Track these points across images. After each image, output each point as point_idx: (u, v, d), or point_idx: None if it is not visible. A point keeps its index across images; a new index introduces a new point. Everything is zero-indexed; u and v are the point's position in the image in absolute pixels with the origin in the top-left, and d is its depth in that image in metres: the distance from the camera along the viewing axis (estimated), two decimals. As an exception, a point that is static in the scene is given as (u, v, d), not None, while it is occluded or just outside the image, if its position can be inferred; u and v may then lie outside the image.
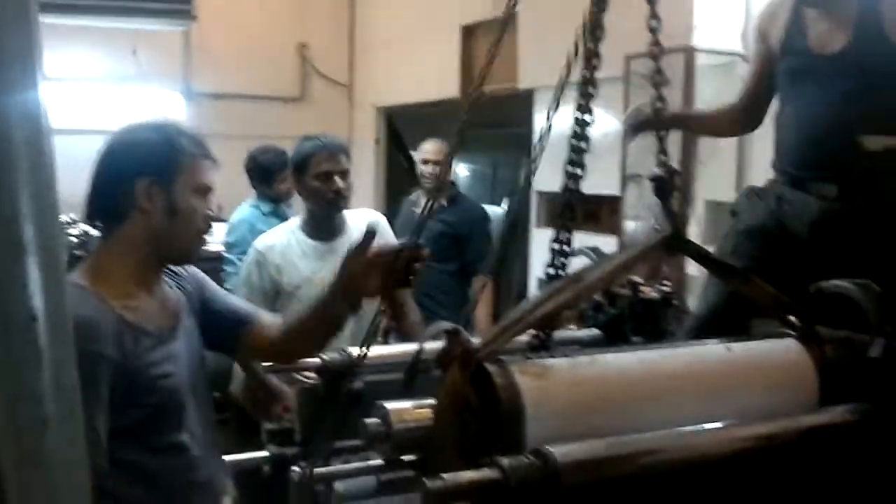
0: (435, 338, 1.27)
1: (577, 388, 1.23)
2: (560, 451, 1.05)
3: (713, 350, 1.44)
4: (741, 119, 2.84)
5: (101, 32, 6.66)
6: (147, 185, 1.83)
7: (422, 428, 1.19)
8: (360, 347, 1.67)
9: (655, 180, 1.42)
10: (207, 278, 2.12)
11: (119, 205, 1.84)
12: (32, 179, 0.73)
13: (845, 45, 2.43)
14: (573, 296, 1.35)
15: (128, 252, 1.86)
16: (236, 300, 2.16)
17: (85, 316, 1.68)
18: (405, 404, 1.22)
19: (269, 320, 2.10)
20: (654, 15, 1.52)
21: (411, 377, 1.32)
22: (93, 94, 6.78)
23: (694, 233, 4.03)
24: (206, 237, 1.96)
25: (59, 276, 0.74)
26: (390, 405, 1.21)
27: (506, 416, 1.14)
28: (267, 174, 4.65)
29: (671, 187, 1.42)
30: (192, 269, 2.09)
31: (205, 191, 1.91)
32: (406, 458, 1.30)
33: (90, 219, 1.91)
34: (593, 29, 1.40)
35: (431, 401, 1.20)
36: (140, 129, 1.90)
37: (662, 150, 1.47)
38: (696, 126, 2.89)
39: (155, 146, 1.86)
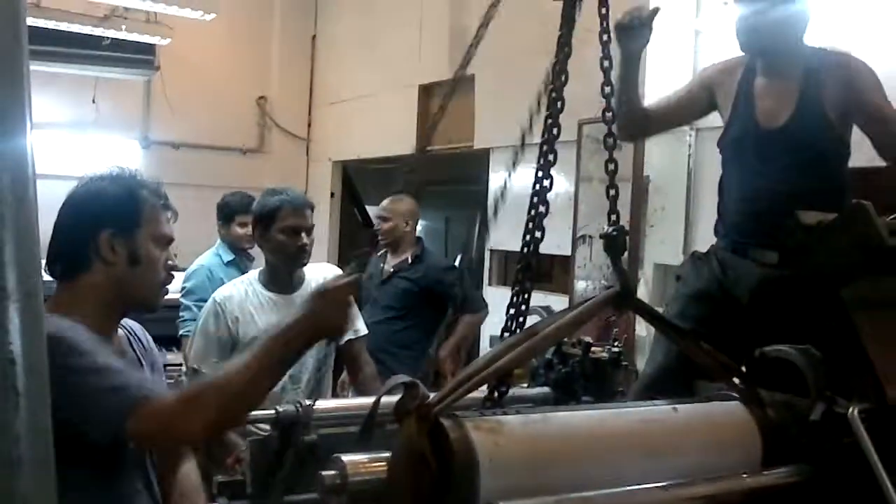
0: (392, 391, 1.30)
1: (529, 445, 1.26)
2: (511, 507, 1.08)
3: (660, 410, 1.48)
4: (638, 121, 2.79)
5: (62, 79, 6.66)
6: (109, 237, 1.85)
7: (377, 480, 1.21)
8: (310, 398, 1.70)
9: (606, 238, 1.46)
10: (154, 348, 2.16)
11: (81, 255, 1.86)
12: (16, 226, 0.75)
13: (787, 121, 2.53)
14: (528, 349, 1.38)
15: (88, 299, 1.87)
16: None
17: (66, 325, 1.74)
18: (361, 457, 1.24)
19: (185, 463, 2.12)
20: (607, 82, 1.59)
21: (368, 430, 1.34)
22: (50, 141, 6.74)
23: (642, 294, 4.10)
24: (166, 286, 1.97)
25: (38, 320, 0.76)
26: (346, 457, 1.22)
27: (459, 470, 1.17)
28: (229, 215, 4.65)
29: (621, 245, 1.46)
30: (146, 335, 2.13)
31: (165, 241, 1.94)
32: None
33: (51, 267, 1.90)
34: (555, 101, 1.46)
35: (387, 454, 1.22)
36: (102, 181, 1.93)
37: (613, 210, 1.52)
38: (628, 94, 2.76)
39: (117, 198, 1.89)
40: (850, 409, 1.29)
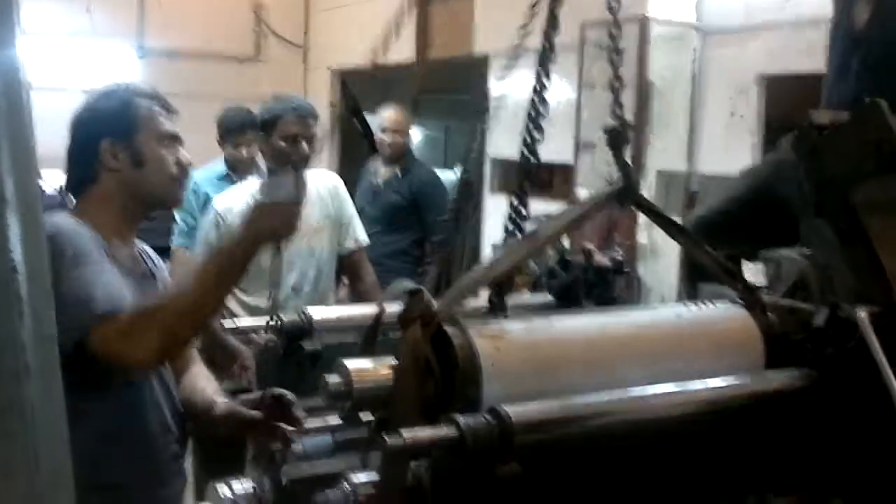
0: (395, 298, 1.30)
1: (532, 350, 1.26)
2: (515, 411, 1.09)
3: (663, 315, 1.49)
4: None
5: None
6: (109, 146, 1.94)
7: (382, 387, 1.21)
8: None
9: (610, 132, 1.44)
10: (164, 267, 2.22)
11: (89, 168, 1.96)
12: (10, 134, 0.73)
13: (866, 25, 2.44)
14: (530, 250, 1.38)
15: (102, 208, 1.95)
16: None
17: (70, 225, 1.84)
18: (366, 363, 1.24)
19: (194, 366, 2.14)
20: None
21: (372, 338, 1.34)
22: (45, 49, 6.63)
23: (645, 202, 4.08)
24: (182, 181, 2.05)
25: (38, 228, 0.75)
26: (351, 364, 1.23)
27: (462, 376, 1.17)
28: (223, 134, 4.53)
29: (625, 139, 1.45)
30: (156, 256, 2.18)
31: (168, 138, 2.00)
32: (364, 418, 1.33)
33: (71, 189, 2.02)
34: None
35: (391, 360, 1.23)
36: (96, 97, 2.03)
37: (618, 104, 1.49)
38: None
39: (111, 109, 1.98)
40: (859, 312, 1.28)
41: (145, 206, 2.03)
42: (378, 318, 1.34)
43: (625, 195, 1.47)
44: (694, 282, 2.31)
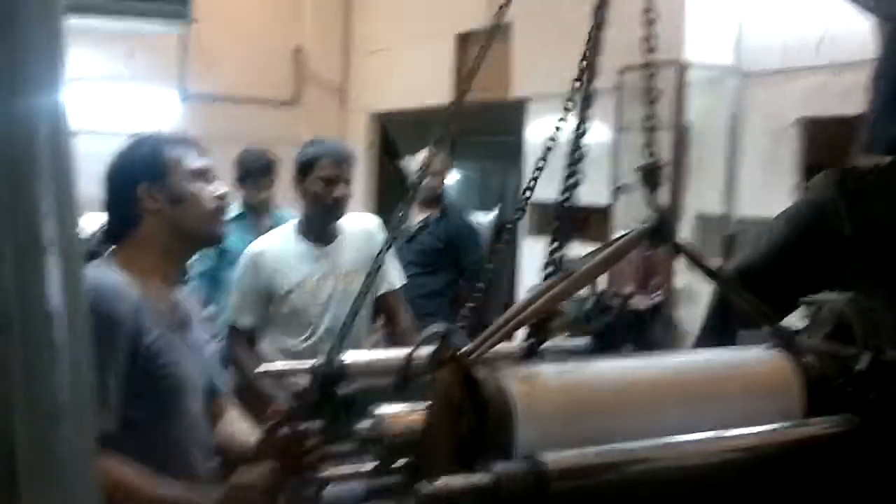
0: (427, 342, 1.29)
1: (565, 394, 1.24)
2: (552, 458, 1.07)
3: (699, 359, 1.46)
4: None
5: (98, 33, 6.66)
6: (147, 189, 2.02)
7: (414, 431, 1.20)
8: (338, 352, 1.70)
9: (643, 170, 1.43)
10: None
11: (129, 213, 2.03)
12: (54, 178, 0.74)
13: None
14: (563, 290, 1.36)
15: (148, 251, 2.01)
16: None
17: (108, 284, 1.87)
18: (397, 408, 1.23)
19: (230, 411, 2.17)
20: (650, 35, 1.53)
21: (403, 381, 1.34)
22: (87, 95, 6.77)
23: (683, 245, 4.05)
24: (221, 214, 2.11)
25: (78, 274, 0.75)
26: (382, 409, 1.22)
27: (495, 420, 1.15)
28: (240, 176, 4.50)
29: (658, 177, 1.43)
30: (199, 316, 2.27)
31: (201, 174, 2.07)
32: (397, 463, 1.31)
33: (111, 238, 2.07)
34: (594, 45, 1.42)
35: (423, 405, 1.22)
36: (127, 147, 2.11)
37: (651, 142, 1.48)
38: None
39: (142, 155, 2.07)
40: (904, 357, 1.25)
41: (188, 243, 2.10)
42: (408, 362, 1.33)
43: (658, 234, 1.45)
44: (717, 328, 2.28)
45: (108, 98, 7.03)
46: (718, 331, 2.31)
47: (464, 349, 1.22)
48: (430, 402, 1.20)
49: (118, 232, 2.07)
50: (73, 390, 0.74)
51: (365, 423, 1.22)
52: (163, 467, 1.89)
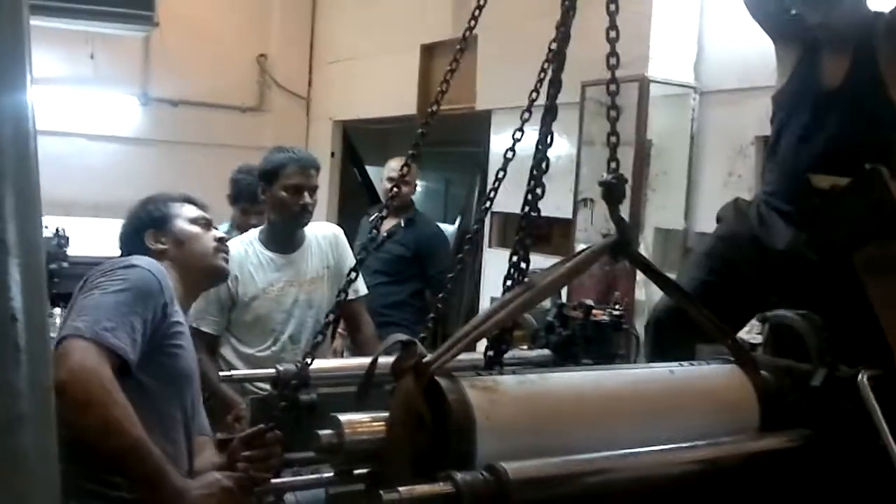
0: (390, 351, 1.30)
1: (527, 405, 1.26)
2: (512, 468, 1.08)
3: (657, 373, 1.48)
4: None
5: (59, 34, 6.58)
6: (153, 235, 2.30)
7: (375, 440, 1.20)
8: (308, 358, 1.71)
9: (605, 185, 1.45)
10: None
11: (143, 254, 2.22)
12: (17, 181, 0.74)
13: (842, 82, 2.50)
14: (525, 302, 1.37)
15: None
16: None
17: (158, 266, 2.12)
18: (359, 416, 1.23)
19: (207, 450, 2.20)
20: (612, 52, 1.55)
21: (366, 389, 1.34)
22: (48, 96, 6.69)
23: (643, 259, 4.08)
24: (224, 253, 2.37)
25: (39, 277, 0.74)
26: (344, 417, 1.22)
27: (456, 429, 1.16)
28: (237, 195, 4.37)
29: (620, 193, 1.45)
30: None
31: (199, 221, 2.35)
32: (357, 471, 1.32)
33: None
34: (558, 60, 1.44)
35: (385, 413, 1.22)
36: (136, 205, 2.40)
37: (613, 158, 1.50)
38: None
39: (149, 210, 2.36)
40: (860, 375, 1.28)
41: (196, 280, 2.33)
42: (371, 370, 1.34)
43: (619, 248, 1.47)
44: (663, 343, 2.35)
45: (68, 100, 6.95)
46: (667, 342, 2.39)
47: (426, 358, 1.22)
48: (391, 411, 1.20)
49: None
50: (34, 395, 0.74)
51: (326, 431, 1.22)
52: (151, 433, 1.93)
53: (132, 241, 2.33)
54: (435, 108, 1.82)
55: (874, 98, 2.46)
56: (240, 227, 4.14)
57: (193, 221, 2.36)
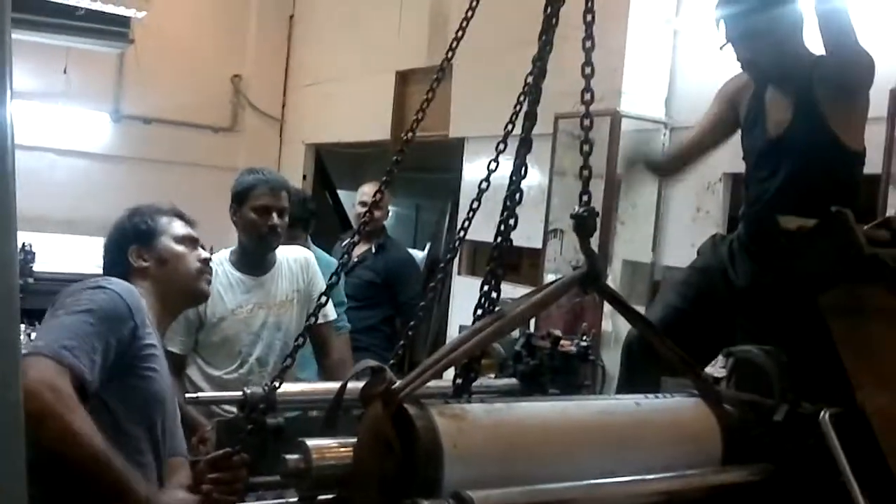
0: (359, 376, 1.30)
1: (493, 433, 1.26)
2: (479, 496, 1.08)
3: (622, 405, 1.49)
4: (680, 168, 3.14)
5: (33, 47, 6.55)
6: (136, 251, 2.26)
7: (342, 466, 1.21)
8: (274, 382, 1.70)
9: (576, 218, 1.46)
10: None
11: (123, 270, 2.23)
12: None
13: (785, 131, 2.60)
14: (494, 331, 1.38)
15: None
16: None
17: (129, 287, 2.09)
18: (326, 441, 1.24)
19: (178, 475, 2.17)
20: (587, 88, 1.57)
21: (333, 414, 1.34)
22: (19, 110, 6.62)
23: (611, 290, 4.11)
24: (206, 275, 2.33)
25: (12, 293, 0.74)
26: (311, 442, 1.22)
27: (424, 456, 1.17)
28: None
29: (591, 226, 1.47)
30: None
31: (186, 240, 2.32)
32: (322, 496, 1.31)
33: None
34: (534, 94, 1.46)
35: (352, 439, 1.22)
36: (123, 216, 2.35)
37: (585, 191, 1.52)
38: (694, 153, 3.05)
39: (135, 223, 2.31)
40: (822, 413, 1.30)
41: (175, 301, 2.30)
42: (340, 395, 1.34)
43: (589, 281, 1.49)
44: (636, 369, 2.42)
45: (39, 114, 6.90)
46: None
47: (395, 385, 1.23)
48: (359, 437, 1.21)
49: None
50: (3, 408, 0.73)
51: (293, 455, 1.22)
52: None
53: (115, 255, 2.29)
54: (410, 135, 1.83)
55: (822, 138, 2.54)
56: None
57: (180, 240, 2.31)
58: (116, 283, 2.06)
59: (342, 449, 1.22)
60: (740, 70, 2.80)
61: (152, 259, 2.26)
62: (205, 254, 2.36)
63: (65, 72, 7.00)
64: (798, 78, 2.62)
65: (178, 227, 2.33)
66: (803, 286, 1.35)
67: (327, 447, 1.23)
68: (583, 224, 1.46)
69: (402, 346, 1.73)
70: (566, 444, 1.32)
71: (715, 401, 1.46)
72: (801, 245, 1.36)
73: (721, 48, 2.78)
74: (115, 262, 2.26)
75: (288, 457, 1.23)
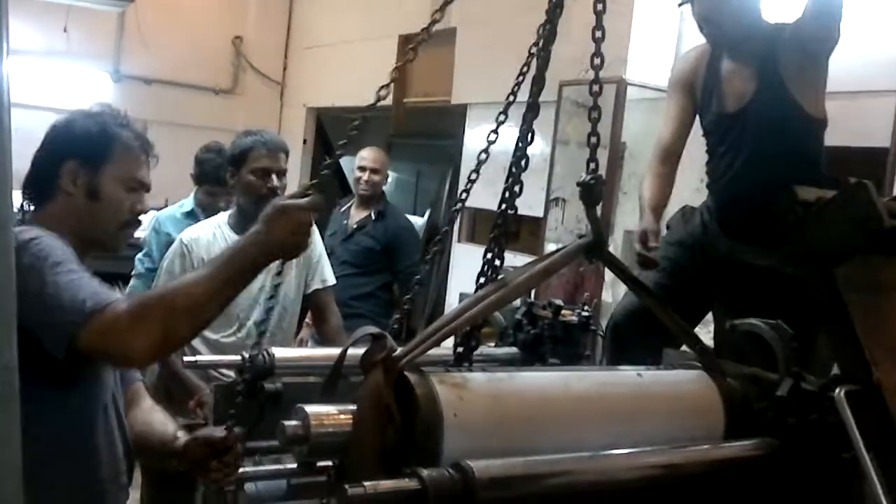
0: (359, 343, 1.28)
1: (494, 403, 1.25)
2: (479, 466, 1.07)
3: (624, 376, 1.48)
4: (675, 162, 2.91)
5: (33, 4, 6.47)
6: (73, 167, 1.85)
7: (341, 433, 1.19)
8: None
9: (584, 185, 1.44)
10: None
11: (48, 183, 1.86)
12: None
13: (749, 102, 2.56)
14: (498, 299, 1.37)
15: (56, 227, 1.82)
16: None
17: (55, 239, 1.75)
18: (325, 408, 1.22)
19: (144, 399, 2.08)
20: (597, 53, 1.54)
21: (333, 381, 1.32)
22: (19, 68, 6.57)
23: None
24: (131, 230, 1.95)
25: (7, 250, 0.72)
26: (310, 408, 1.21)
27: (424, 425, 1.15)
28: (202, 175, 4.20)
29: (597, 194, 1.45)
30: None
31: (136, 185, 1.91)
32: (320, 463, 1.30)
33: (24, 193, 1.90)
34: (543, 57, 1.43)
35: (351, 406, 1.21)
36: (80, 114, 1.92)
37: (593, 159, 1.50)
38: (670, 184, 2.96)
39: (88, 131, 1.88)
40: (837, 390, 1.29)
41: (86, 241, 1.90)
42: (340, 362, 1.32)
43: (594, 250, 1.47)
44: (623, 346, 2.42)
45: (38, 72, 6.85)
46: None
47: (396, 353, 1.21)
48: (359, 404, 1.19)
49: (34, 197, 1.91)
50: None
51: (292, 422, 1.20)
52: (73, 439, 1.81)
53: (48, 163, 1.88)
54: (383, 92, 1.78)
55: (786, 110, 2.51)
56: (205, 208, 4.09)
57: (127, 182, 1.90)
58: (43, 233, 1.76)
59: (341, 416, 1.20)
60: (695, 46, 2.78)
61: (84, 187, 1.86)
62: (143, 206, 1.95)
63: (65, 30, 6.94)
64: (760, 40, 2.57)
65: (135, 166, 1.92)
66: (817, 258, 1.33)
67: (326, 414, 1.21)
68: (590, 192, 1.44)
69: (405, 311, 1.71)
70: (568, 416, 1.31)
71: (718, 374, 1.45)
72: (819, 217, 1.34)
73: (680, 6, 2.74)
74: (46, 170, 1.87)
75: (287, 423, 1.21)
